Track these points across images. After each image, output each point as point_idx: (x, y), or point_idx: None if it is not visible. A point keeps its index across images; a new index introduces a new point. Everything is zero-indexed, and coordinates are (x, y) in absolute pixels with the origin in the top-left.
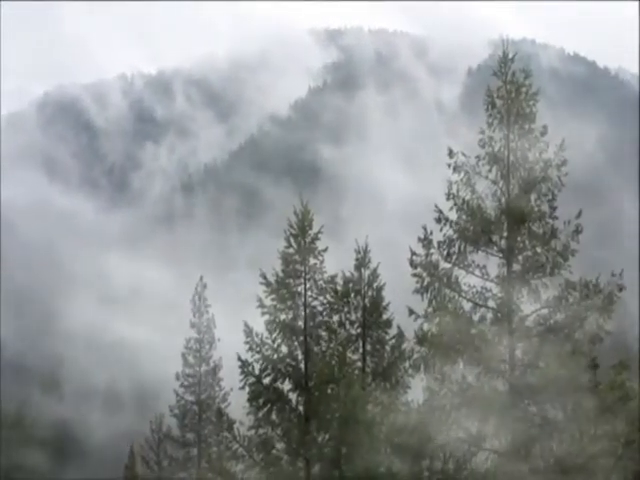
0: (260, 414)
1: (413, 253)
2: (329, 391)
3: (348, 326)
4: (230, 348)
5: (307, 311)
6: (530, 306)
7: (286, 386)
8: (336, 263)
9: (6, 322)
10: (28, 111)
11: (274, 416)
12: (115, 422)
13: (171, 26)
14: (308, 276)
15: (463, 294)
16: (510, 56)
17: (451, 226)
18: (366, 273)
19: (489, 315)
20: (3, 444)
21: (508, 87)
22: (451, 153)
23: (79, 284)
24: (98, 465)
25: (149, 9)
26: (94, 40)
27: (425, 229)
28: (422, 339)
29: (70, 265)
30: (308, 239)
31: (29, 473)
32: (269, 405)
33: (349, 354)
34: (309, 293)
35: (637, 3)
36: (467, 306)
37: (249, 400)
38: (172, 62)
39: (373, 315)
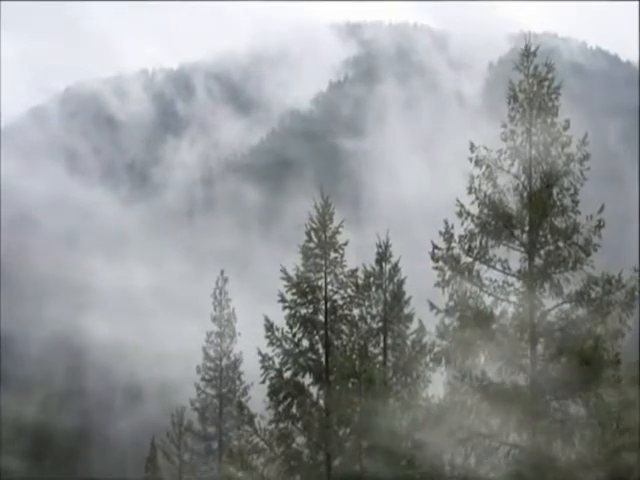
0: (281, 408)
1: (434, 247)
2: (350, 385)
3: (369, 320)
4: (251, 342)
5: (328, 305)
6: (552, 301)
7: (307, 380)
8: (356, 256)
9: (28, 314)
10: (50, 106)
11: (295, 410)
12: (136, 415)
13: (192, 21)
14: (329, 270)
15: (484, 288)
16: (532, 49)
17: (472, 220)
18: (387, 267)
19: (510, 310)
20: (29, 433)
21: (530, 81)
22: (472, 147)
23: (99, 277)
24: (119, 457)
25: (170, 4)
26: (115, 35)
27: (446, 223)
28: (443, 333)
29: (91, 258)
30: (329, 233)
31: (53, 461)
32: (290, 399)
33: (370, 348)
34: (330, 287)
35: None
36: (488, 300)
37: (270, 394)
38: (193, 57)
39: (394, 309)
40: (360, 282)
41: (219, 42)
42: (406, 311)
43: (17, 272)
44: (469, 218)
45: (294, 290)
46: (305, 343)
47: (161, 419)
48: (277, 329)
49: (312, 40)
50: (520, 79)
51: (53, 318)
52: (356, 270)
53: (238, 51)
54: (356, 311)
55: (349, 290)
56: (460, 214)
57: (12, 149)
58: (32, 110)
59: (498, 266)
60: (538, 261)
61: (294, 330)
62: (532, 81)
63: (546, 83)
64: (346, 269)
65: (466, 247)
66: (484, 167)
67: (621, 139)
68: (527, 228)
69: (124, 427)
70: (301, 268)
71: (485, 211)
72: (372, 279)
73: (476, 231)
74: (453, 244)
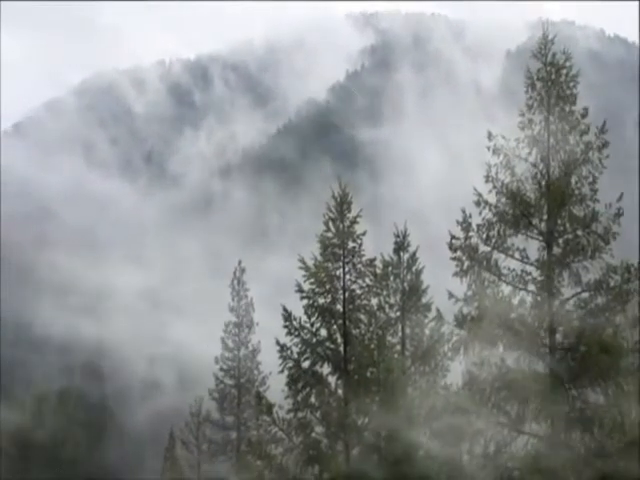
0: (299, 397)
1: (452, 236)
2: (368, 375)
3: (387, 309)
4: (269, 332)
5: (346, 295)
6: (570, 289)
7: (325, 370)
8: (373, 245)
9: (48, 306)
10: (66, 98)
11: (313, 399)
12: (155, 405)
13: (208, 12)
14: (347, 260)
15: (503, 277)
16: (550, 37)
17: (490, 209)
18: (405, 256)
19: (529, 299)
20: (47, 424)
21: (548, 69)
22: (490, 136)
23: (118, 268)
24: (138, 447)
25: None
26: (132, 27)
27: (464, 212)
28: (461, 322)
29: (109, 249)
30: (347, 223)
31: (72, 453)
32: (308, 388)
33: (388, 337)
34: (348, 277)
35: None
36: (507, 290)
37: (288, 384)
38: (210, 48)
39: (412, 298)
40: (378, 271)
41: (236, 33)
42: (424, 300)
43: (35, 265)
44: (487, 207)
45: (312, 280)
46: (323, 333)
47: (179, 409)
48: (295, 319)
49: (328, 30)
50: (538, 67)
51: (72, 309)
52: (374, 260)
53: (255, 41)
54: (374, 300)
55: (367, 280)
56: (478, 203)
57: (29, 142)
58: (49, 103)
59: (516, 255)
60: (557, 250)
61: (312, 320)
62: (550, 69)
63: (564, 71)
64: (364, 259)
65: (484, 236)
66: (502, 156)
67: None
68: (545, 217)
69: (142, 417)
70: (319, 258)
71: (503, 200)
72: (390, 268)
73: (494, 220)
74: (471, 233)
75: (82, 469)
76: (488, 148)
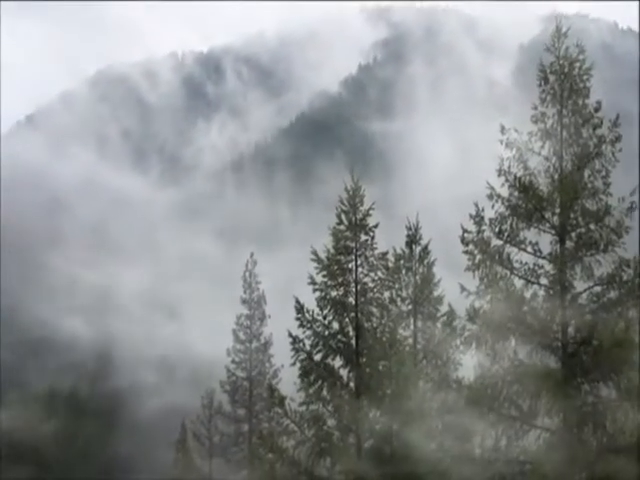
0: (311, 390)
1: (464, 230)
2: (380, 368)
3: (399, 303)
4: (281, 325)
5: (358, 287)
6: (583, 283)
7: (337, 362)
8: (385, 238)
9: (61, 297)
10: (80, 90)
11: (325, 392)
12: (166, 397)
13: (221, 4)
14: (359, 252)
15: (515, 271)
16: (563, 31)
17: (503, 203)
18: (417, 250)
19: (541, 292)
20: (60, 415)
21: (561, 62)
22: (503, 129)
23: (131, 260)
24: (149, 439)
25: None
26: (145, 19)
27: (477, 206)
28: (474, 316)
29: (122, 241)
30: (359, 215)
31: (84, 443)
32: (320, 381)
33: (400, 331)
34: (360, 270)
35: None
36: (519, 283)
37: (300, 376)
38: (222, 40)
39: (424, 292)
40: (390, 265)
41: (248, 25)
42: (436, 293)
43: (49, 256)
44: (499, 201)
45: (325, 272)
46: (335, 325)
47: (190, 401)
48: (308, 311)
49: (341, 22)
50: (551, 60)
51: (86, 296)
52: (386, 253)
53: (267, 34)
54: (386, 294)
55: (379, 273)
56: (490, 197)
57: (43, 133)
58: (62, 94)
59: (529, 249)
60: (569, 244)
61: (324, 312)
62: (563, 62)
63: (577, 64)
64: (376, 252)
65: (496, 230)
66: (515, 149)
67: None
68: (558, 210)
69: (154, 410)
70: (331, 250)
71: (516, 194)
72: (402, 262)
73: (506, 214)
74: (483, 227)
75: (94, 462)
76: (501, 141)
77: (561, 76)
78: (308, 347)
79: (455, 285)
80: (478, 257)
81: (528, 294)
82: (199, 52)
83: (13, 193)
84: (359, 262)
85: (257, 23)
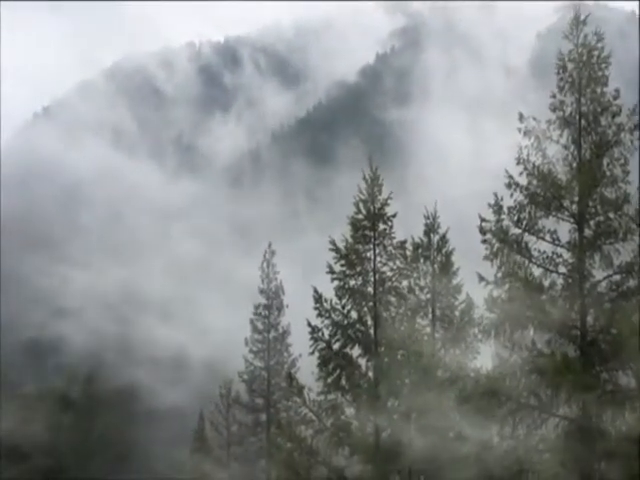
0: (330, 380)
1: (482, 219)
2: (399, 357)
3: (417, 292)
4: (298, 314)
5: (376, 277)
6: (602, 272)
7: (355, 352)
8: (403, 225)
9: (79, 288)
10: (97, 80)
11: (344, 381)
12: (184, 386)
13: None
14: (377, 242)
15: (533, 260)
16: (581, 18)
17: (521, 191)
18: (435, 238)
19: (560, 281)
20: (77, 405)
21: (580, 50)
22: (521, 117)
23: (147, 251)
24: (167, 429)
25: None
26: (162, 8)
27: (495, 195)
28: (492, 305)
29: (138, 232)
30: (377, 205)
31: (102, 434)
32: (339, 370)
33: (418, 320)
34: (378, 259)
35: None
36: (537, 272)
37: (319, 365)
38: (239, 29)
39: (442, 281)
40: (409, 254)
41: (265, 14)
42: (454, 282)
43: (66, 245)
44: (518, 189)
45: (343, 262)
46: (354, 315)
47: (209, 390)
48: (326, 300)
49: (358, 11)
50: (569, 48)
51: (103, 292)
52: (405, 242)
53: (284, 23)
54: (404, 283)
55: (398, 262)
56: (509, 185)
57: (60, 124)
58: (79, 85)
59: (547, 237)
60: (588, 232)
61: (343, 302)
62: (581, 50)
63: (596, 52)
64: (395, 241)
65: (515, 219)
66: (533, 138)
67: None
68: (577, 199)
69: (172, 399)
70: (350, 240)
71: (534, 182)
72: (420, 251)
73: (525, 202)
74: (502, 216)
75: (113, 450)
76: (519, 130)
77: (579, 64)
78: (327, 336)
79: (473, 274)
80: (496, 246)
81: (546, 283)
82: (216, 42)
83: (29, 184)
84: (377, 251)
85: (274, 12)
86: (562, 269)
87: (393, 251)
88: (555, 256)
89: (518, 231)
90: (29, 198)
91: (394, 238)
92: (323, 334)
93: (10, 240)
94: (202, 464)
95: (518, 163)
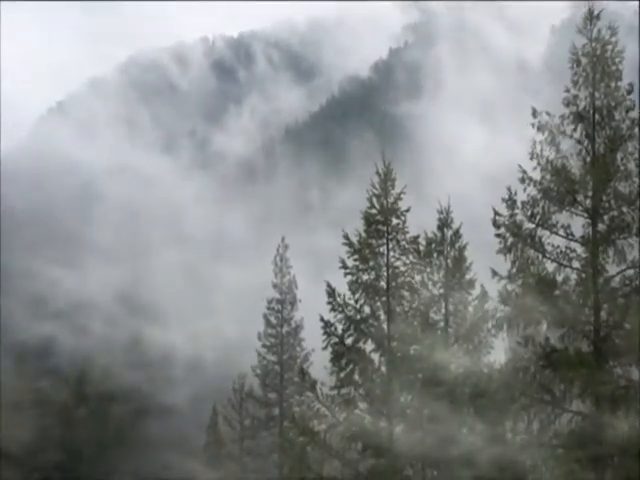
0: (342, 374)
1: (496, 213)
2: (412, 352)
3: (430, 286)
4: (311, 309)
5: (389, 271)
6: (615, 267)
7: (369, 346)
8: (415, 218)
9: (92, 283)
10: (111, 75)
11: (356, 376)
12: (197, 380)
13: None
14: (390, 236)
15: (547, 254)
16: (595, 13)
17: (535, 186)
18: (448, 233)
19: (573, 276)
20: (90, 400)
21: (593, 44)
22: (535, 112)
23: (161, 245)
24: (180, 423)
25: None
26: (176, 3)
27: (509, 189)
28: (505, 300)
29: (152, 226)
30: (391, 199)
31: (115, 429)
32: (351, 365)
33: (431, 314)
34: (392, 253)
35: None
36: (551, 267)
37: (332, 360)
38: (252, 24)
39: (456, 275)
40: (422, 248)
41: (278, 9)
42: (468, 277)
43: (81, 241)
44: (531, 184)
45: (356, 256)
46: (367, 309)
47: (222, 384)
48: (339, 295)
49: (371, 6)
50: (583, 43)
51: (116, 286)
52: (418, 237)
53: (297, 18)
54: (418, 277)
55: (411, 256)
56: (522, 180)
57: (73, 119)
58: (93, 80)
59: (561, 232)
60: (601, 227)
61: (356, 296)
62: (595, 45)
63: (610, 47)
64: (408, 235)
65: (528, 213)
66: (546, 132)
67: None
68: (590, 193)
69: (185, 394)
70: (363, 234)
71: (548, 177)
72: (434, 245)
73: (538, 197)
74: (515, 210)
75: (125, 445)
76: (532, 124)
77: (593, 58)
78: (340, 331)
79: (487, 269)
80: (510, 240)
81: (560, 277)
82: (230, 37)
83: (43, 179)
84: (390, 246)
85: (287, 7)
86: (576, 264)
87: (406, 246)
88: (569, 251)
89: (532, 226)
90: (43, 194)
91: (407, 233)
92: (336, 329)
93: (22, 237)
94: (216, 458)
95: (532, 158)
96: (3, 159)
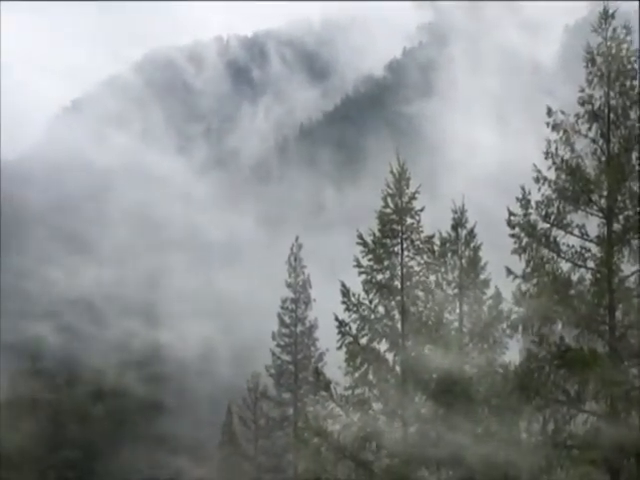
0: (357, 374)
1: (511, 213)
2: (426, 351)
3: (445, 286)
4: (326, 308)
5: (404, 271)
6: (630, 266)
7: (383, 346)
8: (430, 217)
9: (107, 283)
10: (126, 74)
11: (371, 376)
12: (211, 379)
13: None
14: (405, 236)
15: (562, 254)
16: (610, 12)
17: (549, 185)
18: (463, 233)
19: (588, 276)
20: (106, 400)
21: (608, 44)
22: (550, 111)
23: (176, 244)
24: (195, 422)
25: None
26: (190, 3)
27: (523, 189)
28: (520, 300)
29: (166, 226)
30: (405, 199)
31: (130, 428)
32: (366, 365)
33: (446, 314)
34: (406, 253)
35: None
36: (566, 267)
37: (346, 360)
38: (267, 24)
39: (470, 275)
40: (436, 248)
41: (292, 9)
42: (482, 277)
43: (96, 240)
44: (546, 183)
45: (370, 256)
46: (381, 309)
47: (236, 384)
48: (353, 295)
49: (386, 6)
50: (598, 42)
51: (130, 285)
52: (432, 236)
53: (311, 18)
54: (432, 277)
55: (425, 256)
56: (537, 180)
57: (89, 118)
58: (108, 79)
59: (576, 232)
60: (617, 226)
61: (370, 296)
62: (610, 44)
63: (625, 46)
64: (422, 235)
65: (543, 213)
66: (561, 132)
67: None
68: (605, 193)
69: (200, 394)
70: (377, 234)
71: (562, 176)
72: (448, 245)
73: (553, 197)
74: (530, 210)
75: (141, 444)
76: (547, 124)
77: (608, 58)
78: (354, 331)
79: (501, 268)
80: (525, 240)
81: (575, 277)
82: (244, 36)
83: (58, 177)
84: (405, 245)
85: (301, 6)
86: (590, 264)
87: (420, 245)
88: (583, 251)
89: (546, 225)
90: (56, 193)
91: (421, 232)
92: (350, 328)
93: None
94: (230, 458)
95: (546, 157)
96: (18, 158)
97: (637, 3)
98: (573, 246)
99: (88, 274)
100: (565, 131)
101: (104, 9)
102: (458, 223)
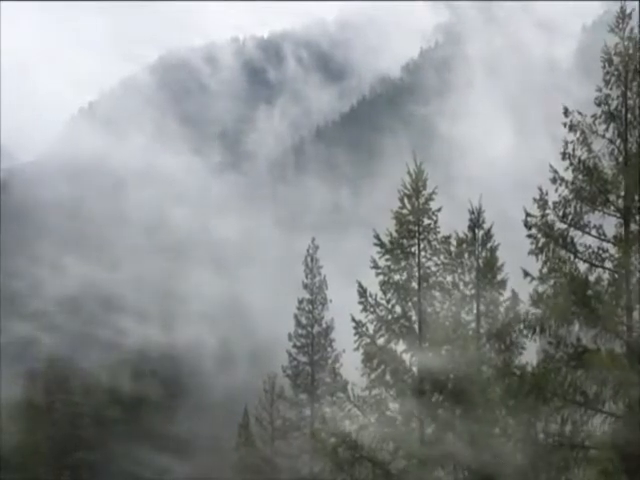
0: (374, 375)
1: (527, 214)
2: (443, 352)
3: (462, 287)
4: (342, 309)
5: (421, 272)
6: None
7: (400, 347)
8: (447, 216)
9: (124, 282)
10: (141, 75)
11: (388, 377)
12: (228, 380)
13: None
14: (422, 236)
15: (579, 255)
16: (628, 11)
17: (567, 186)
18: (480, 233)
19: (606, 276)
20: (123, 400)
21: (626, 43)
22: (566, 112)
23: (191, 246)
24: (211, 423)
25: None
26: (206, 4)
27: (540, 189)
28: (537, 301)
29: (182, 227)
30: (422, 199)
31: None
32: (383, 366)
33: (463, 315)
34: (423, 254)
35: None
36: (583, 267)
37: (363, 361)
38: (283, 25)
39: (487, 276)
40: (453, 248)
41: (308, 10)
42: (499, 277)
43: (112, 239)
44: (563, 184)
45: (387, 256)
46: (398, 310)
47: (253, 384)
48: (370, 295)
49: (402, 6)
50: (615, 42)
51: (146, 286)
52: (449, 237)
53: (327, 18)
54: (449, 278)
55: (442, 257)
56: (554, 180)
57: (105, 119)
58: (124, 80)
59: (593, 232)
60: (634, 226)
61: (387, 296)
62: (628, 44)
63: None
64: (439, 235)
65: (560, 213)
66: (578, 132)
67: None
68: (622, 193)
69: (217, 394)
70: (394, 234)
71: (580, 177)
72: (465, 245)
73: (570, 197)
74: (547, 211)
75: (156, 444)
76: (564, 124)
77: (625, 57)
78: (371, 331)
79: (518, 269)
80: (542, 241)
81: (592, 278)
82: (260, 37)
83: (74, 178)
84: (422, 246)
85: (317, 7)
86: (608, 264)
87: (438, 246)
88: (601, 251)
89: (563, 226)
90: (74, 193)
91: (438, 233)
92: (367, 329)
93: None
94: (247, 459)
95: (563, 158)
96: (35, 159)
97: None
98: (590, 246)
99: (103, 276)
100: (582, 132)
101: (120, 10)
102: (475, 224)
